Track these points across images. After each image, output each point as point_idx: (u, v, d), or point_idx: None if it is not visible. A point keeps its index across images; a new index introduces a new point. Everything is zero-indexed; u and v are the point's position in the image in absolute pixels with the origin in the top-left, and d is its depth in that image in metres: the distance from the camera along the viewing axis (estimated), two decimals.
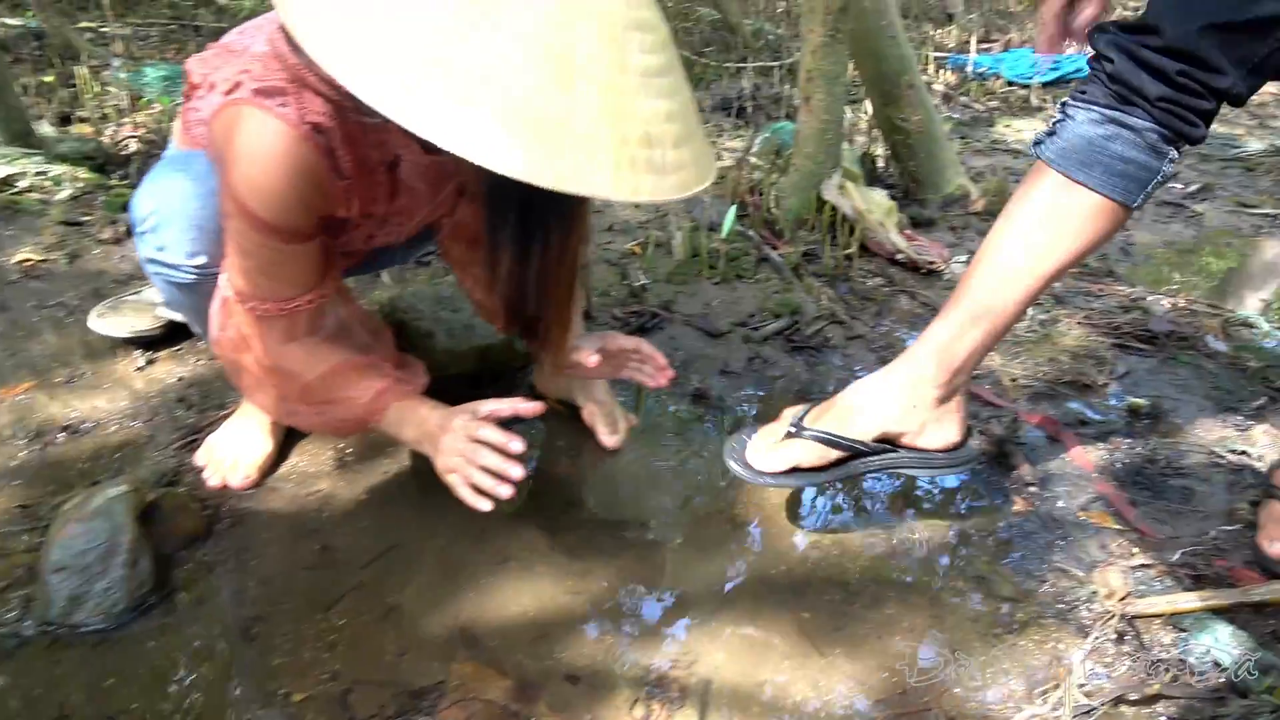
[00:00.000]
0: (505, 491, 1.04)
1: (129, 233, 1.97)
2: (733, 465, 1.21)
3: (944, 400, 1.17)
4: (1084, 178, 1.05)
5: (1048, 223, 1.09)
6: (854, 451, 1.17)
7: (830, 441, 1.16)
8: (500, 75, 0.73)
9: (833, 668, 1.05)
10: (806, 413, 1.21)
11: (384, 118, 0.72)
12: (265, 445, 1.32)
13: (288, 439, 1.38)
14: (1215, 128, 3.65)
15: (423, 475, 1.16)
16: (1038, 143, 1.11)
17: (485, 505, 1.04)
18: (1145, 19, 1.01)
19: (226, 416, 1.38)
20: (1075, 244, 1.08)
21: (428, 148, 1.00)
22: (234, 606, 1.10)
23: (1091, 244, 1.09)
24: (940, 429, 1.19)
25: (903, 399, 1.16)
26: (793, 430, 1.18)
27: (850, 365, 1.70)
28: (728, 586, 1.17)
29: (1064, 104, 1.10)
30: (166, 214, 1.07)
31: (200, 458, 1.32)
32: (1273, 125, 3.74)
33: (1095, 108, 1.05)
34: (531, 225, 1.03)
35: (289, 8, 0.76)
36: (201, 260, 1.09)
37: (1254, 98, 4.03)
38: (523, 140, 0.74)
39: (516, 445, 1.04)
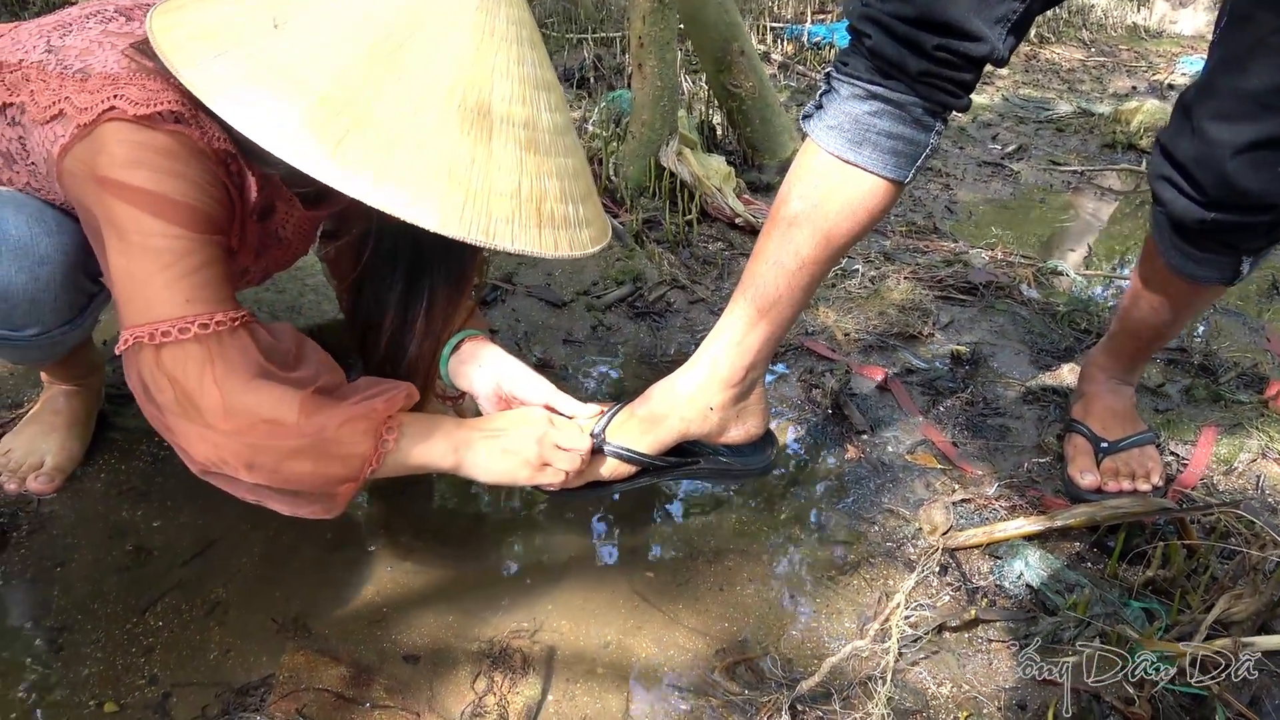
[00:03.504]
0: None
1: None
2: None
3: (741, 397, 1.12)
4: (855, 157, 1.01)
5: (824, 207, 1.03)
6: (650, 467, 1.11)
7: (627, 458, 1.09)
8: (424, 135, 0.77)
9: (675, 623, 1.07)
10: (612, 417, 1.12)
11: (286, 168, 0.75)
12: (69, 443, 1.22)
13: (97, 434, 1.28)
14: (1029, 92, 3.88)
15: None
16: (806, 117, 1.06)
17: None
18: None
19: (22, 415, 1.27)
20: (853, 225, 1.04)
21: (309, 201, 0.99)
22: (37, 618, 1.02)
23: (869, 222, 1.05)
24: (741, 425, 1.14)
25: (699, 402, 1.10)
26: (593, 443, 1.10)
27: (692, 328, 1.72)
28: (571, 555, 1.16)
29: (828, 75, 1.06)
30: None
31: None
32: (1080, 89, 4.00)
33: (858, 82, 1.01)
34: (418, 280, 1.06)
35: (208, 81, 0.77)
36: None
37: (1063, 64, 4.20)
38: (452, 198, 0.77)
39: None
